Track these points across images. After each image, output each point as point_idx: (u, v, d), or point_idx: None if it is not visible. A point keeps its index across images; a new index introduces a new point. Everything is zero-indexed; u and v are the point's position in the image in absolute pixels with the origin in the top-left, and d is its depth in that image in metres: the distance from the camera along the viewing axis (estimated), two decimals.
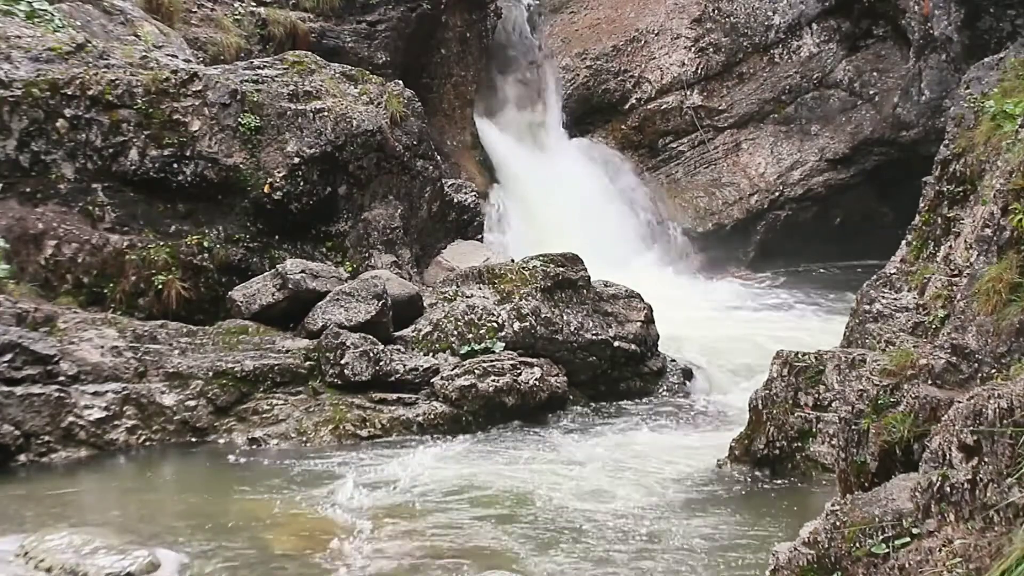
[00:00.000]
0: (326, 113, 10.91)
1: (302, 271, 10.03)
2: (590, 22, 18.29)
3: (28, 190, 10.08)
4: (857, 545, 4.55)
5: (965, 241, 7.16)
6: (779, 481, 8.03)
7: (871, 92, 17.78)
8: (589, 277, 10.92)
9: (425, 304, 10.42)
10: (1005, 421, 4.18)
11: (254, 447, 9.00)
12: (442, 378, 9.68)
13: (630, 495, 7.79)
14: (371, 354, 9.52)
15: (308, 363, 9.54)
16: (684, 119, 18.06)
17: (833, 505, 4.94)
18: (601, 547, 6.74)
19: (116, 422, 8.78)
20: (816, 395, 8.01)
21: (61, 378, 8.70)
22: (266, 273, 10.23)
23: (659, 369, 10.89)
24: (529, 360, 10.06)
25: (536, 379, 9.92)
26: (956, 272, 7.25)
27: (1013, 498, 4.00)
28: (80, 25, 11.28)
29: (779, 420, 8.13)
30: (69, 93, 10.23)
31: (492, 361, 9.89)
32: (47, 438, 8.48)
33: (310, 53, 12.08)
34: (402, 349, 9.85)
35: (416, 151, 11.74)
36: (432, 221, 12.08)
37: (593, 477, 8.24)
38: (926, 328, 7.53)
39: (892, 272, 8.66)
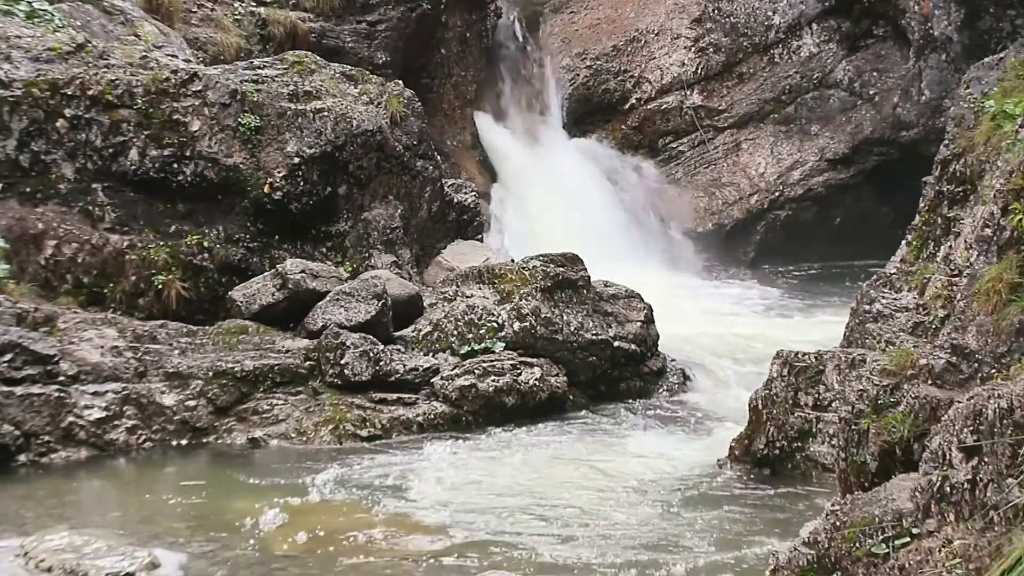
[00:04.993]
0: (326, 113, 10.91)
1: (302, 271, 10.03)
2: (590, 22, 18.29)
3: (28, 190, 10.08)
4: (857, 545, 4.55)
5: (965, 241, 7.16)
6: (779, 481, 8.02)
7: (871, 92, 17.78)
8: (589, 277, 10.91)
9: (425, 304, 10.42)
10: (1005, 421, 4.18)
11: (254, 447, 9.00)
12: (442, 378, 9.68)
13: (629, 494, 7.79)
14: (371, 354, 9.52)
15: (308, 363, 9.54)
16: (684, 119, 18.07)
17: (833, 505, 4.94)
18: (600, 547, 6.74)
19: (116, 422, 8.78)
20: (816, 395, 8.01)
21: (61, 378, 8.70)
22: (266, 273, 10.23)
23: (659, 369, 10.89)
24: (529, 360, 10.06)
25: (536, 379, 9.93)
26: (956, 272, 7.24)
27: (1013, 498, 4.00)
28: (80, 25, 11.28)
29: (779, 420, 8.13)
30: (69, 93, 10.22)
31: (492, 361, 9.89)
32: (47, 438, 8.48)
33: (310, 53, 12.08)
34: (402, 349, 9.85)
35: (416, 151, 11.73)
36: (432, 221, 12.07)
37: (592, 476, 8.24)
38: (926, 328, 7.53)
39: (892, 272, 8.66)
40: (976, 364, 5.84)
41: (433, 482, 8.04)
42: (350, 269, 10.81)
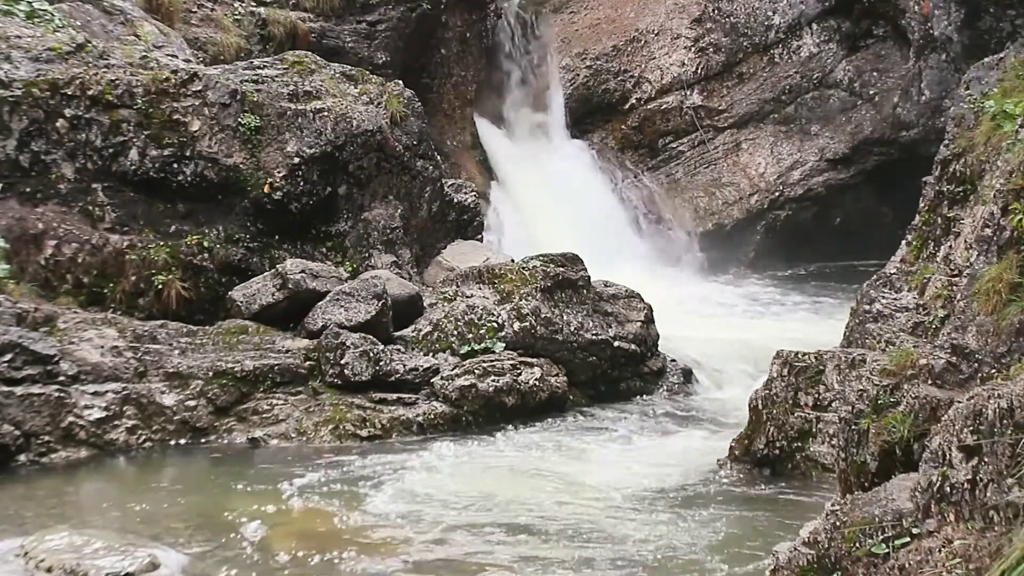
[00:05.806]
0: (326, 113, 10.91)
1: (302, 271, 10.04)
2: (590, 22, 18.29)
3: (28, 190, 10.08)
4: (857, 545, 4.55)
5: (965, 241, 7.16)
6: (779, 481, 8.02)
7: (871, 92, 17.78)
8: (589, 277, 10.92)
9: (425, 304, 10.42)
10: (1005, 421, 4.18)
11: (254, 447, 9.00)
12: (442, 378, 9.68)
13: (630, 495, 7.78)
14: (371, 354, 9.52)
15: (308, 363, 9.54)
16: (684, 119, 18.06)
17: (833, 505, 4.94)
18: (600, 547, 6.73)
19: (116, 422, 8.79)
20: (816, 395, 8.01)
21: (61, 378, 8.70)
22: (266, 273, 10.23)
23: (659, 369, 10.89)
24: (529, 360, 10.07)
25: (536, 379, 9.93)
26: (956, 272, 7.24)
27: (1013, 498, 4.00)
28: (80, 25, 11.28)
29: (779, 420, 8.13)
30: (69, 93, 10.23)
31: (492, 361, 9.89)
32: (47, 438, 8.48)
33: (310, 53, 12.08)
34: (402, 349, 9.85)
35: (416, 151, 11.74)
36: (432, 221, 12.08)
37: (593, 477, 8.23)
38: (926, 328, 7.53)
39: (892, 272, 8.66)
40: (976, 364, 5.84)
41: (421, 488, 7.89)
42: (350, 269, 10.81)
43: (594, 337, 10.56)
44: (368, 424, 9.25)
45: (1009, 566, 3.56)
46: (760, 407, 8.28)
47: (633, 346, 10.74)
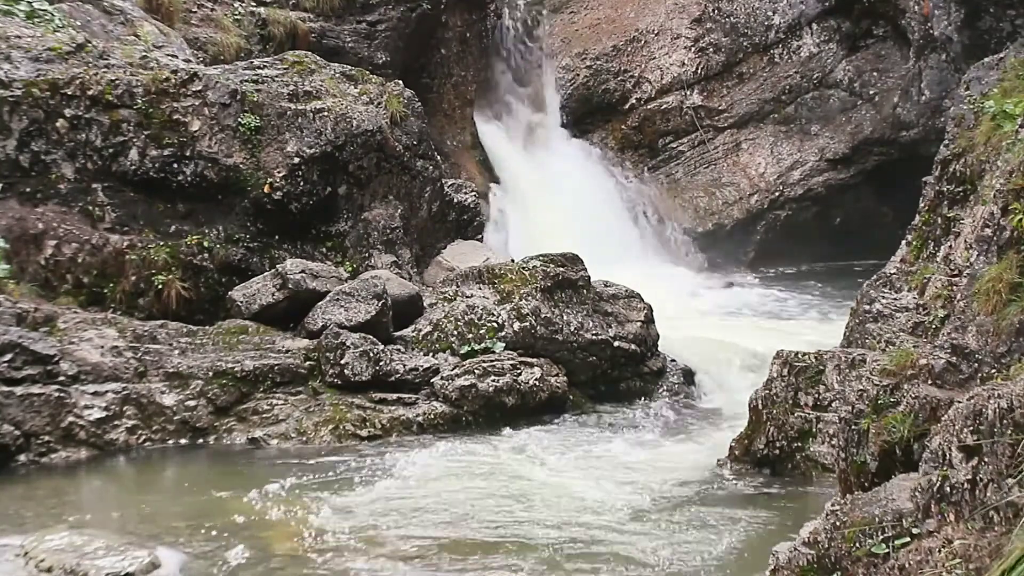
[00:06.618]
0: (326, 113, 10.91)
1: (302, 271, 10.04)
2: (590, 22, 18.29)
3: (28, 190, 10.08)
4: (857, 545, 4.55)
5: (965, 241, 7.16)
6: (779, 481, 8.02)
7: (871, 92, 17.78)
8: (589, 277, 10.91)
9: (425, 304, 10.42)
10: (1005, 421, 4.18)
11: (254, 447, 9.00)
12: (442, 378, 9.68)
13: (629, 495, 7.78)
14: (371, 354, 9.52)
15: (308, 363, 9.54)
16: (684, 119, 18.06)
17: (833, 505, 4.94)
18: (600, 547, 6.73)
19: (116, 422, 8.79)
20: (816, 395, 8.01)
21: (61, 378, 8.70)
22: (266, 273, 10.23)
23: (659, 369, 10.88)
24: (529, 360, 10.06)
25: (536, 379, 9.92)
26: (956, 272, 7.24)
27: (1013, 498, 4.00)
28: (80, 25, 11.28)
29: (779, 420, 8.13)
30: (69, 93, 10.23)
31: (492, 361, 9.89)
32: (47, 438, 8.48)
33: (310, 53, 12.08)
34: (402, 349, 9.85)
35: (416, 151, 11.74)
36: (432, 221, 12.08)
37: (590, 481, 8.22)
38: (926, 328, 7.53)
39: (892, 272, 8.66)
40: (976, 364, 5.84)
41: (413, 493, 7.78)
42: (350, 269, 10.81)
43: (594, 337, 10.56)
44: (368, 424, 9.26)
45: (1009, 566, 3.56)
46: (760, 407, 8.28)
47: (633, 346, 10.73)
